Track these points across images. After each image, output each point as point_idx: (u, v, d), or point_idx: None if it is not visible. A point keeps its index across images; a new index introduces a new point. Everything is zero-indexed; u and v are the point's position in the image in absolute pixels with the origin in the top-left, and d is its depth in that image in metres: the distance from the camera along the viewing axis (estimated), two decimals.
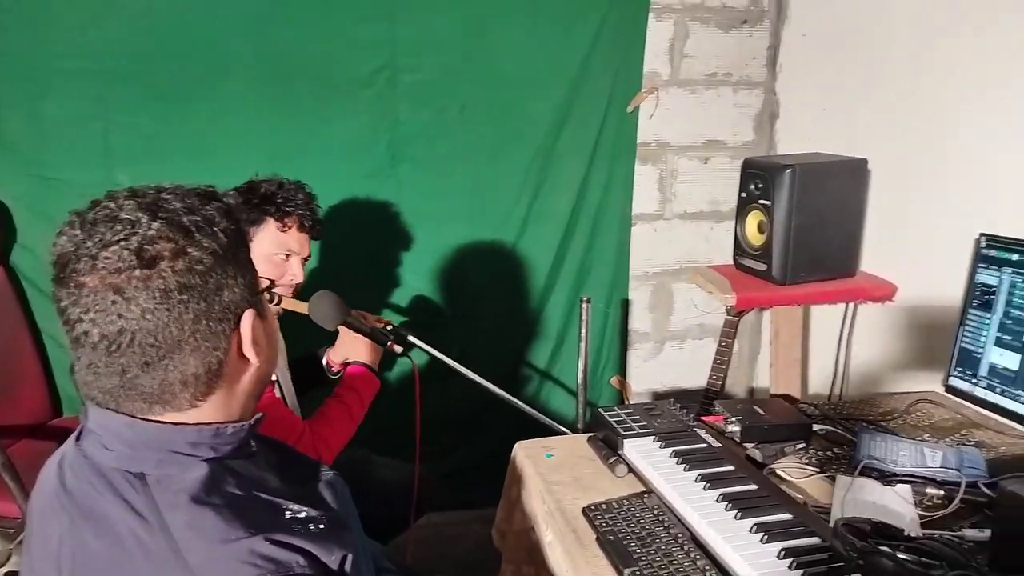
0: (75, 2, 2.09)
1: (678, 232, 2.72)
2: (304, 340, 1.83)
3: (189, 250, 0.76)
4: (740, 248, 2.15)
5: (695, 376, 2.82)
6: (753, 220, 2.09)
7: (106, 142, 2.18)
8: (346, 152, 2.34)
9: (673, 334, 2.82)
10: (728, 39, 2.59)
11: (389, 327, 1.80)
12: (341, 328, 1.75)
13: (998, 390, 1.47)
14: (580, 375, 2.07)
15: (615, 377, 2.76)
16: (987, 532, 1.17)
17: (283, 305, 1.65)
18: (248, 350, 0.82)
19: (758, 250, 2.07)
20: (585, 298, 2.07)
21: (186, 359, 0.77)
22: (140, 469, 0.77)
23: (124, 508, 0.74)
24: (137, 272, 0.74)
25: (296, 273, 1.67)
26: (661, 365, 2.83)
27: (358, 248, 2.42)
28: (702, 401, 2.20)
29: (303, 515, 0.80)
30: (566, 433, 1.75)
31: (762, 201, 2.02)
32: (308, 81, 2.27)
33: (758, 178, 2.04)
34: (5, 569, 1.93)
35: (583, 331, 2.02)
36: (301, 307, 1.66)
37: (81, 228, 0.75)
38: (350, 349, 1.78)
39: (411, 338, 1.78)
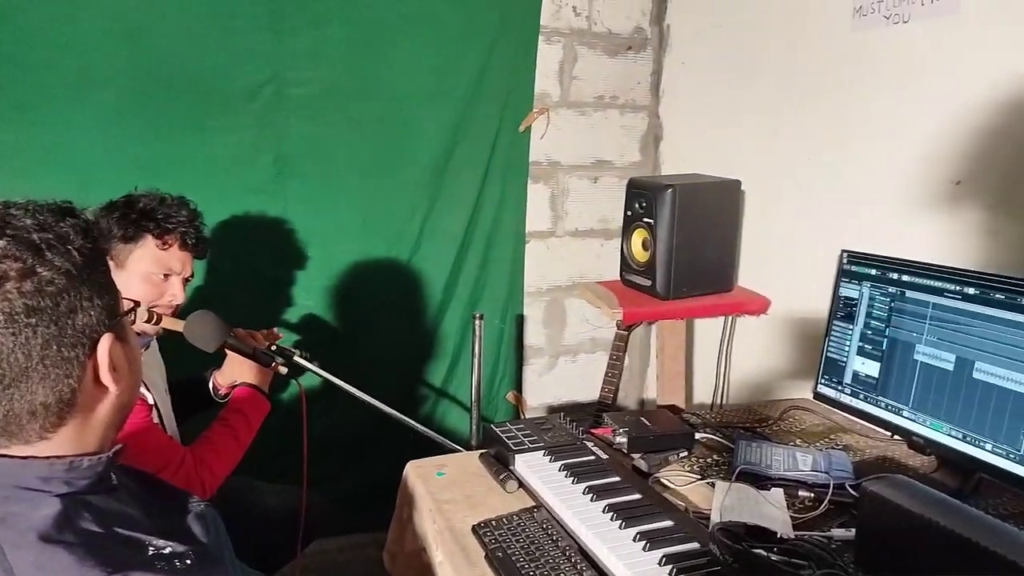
0: None
1: (570, 249, 2.78)
2: (194, 361, 1.74)
3: (39, 270, 0.71)
4: (626, 264, 2.22)
5: (589, 389, 2.88)
6: (638, 238, 2.17)
7: None
8: (230, 167, 2.26)
9: (567, 348, 2.87)
10: (614, 64, 2.69)
11: (274, 347, 1.74)
12: (227, 350, 1.68)
13: (861, 396, 1.58)
14: (474, 391, 2.07)
15: (511, 392, 2.78)
16: (854, 531, 1.24)
17: (163, 325, 1.56)
18: (105, 377, 0.78)
19: (643, 266, 2.14)
20: (478, 314, 2.08)
21: (34, 388, 0.72)
22: None
23: None
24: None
25: (177, 294, 1.59)
26: (556, 379, 2.87)
27: (246, 266, 2.33)
28: (595, 413, 2.24)
29: (168, 551, 0.75)
30: (459, 451, 1.74)
31: (646, 219, 2.10)
32: (188, 92, 2.18)
33: (642, 197, 2.12)
34: None
35: (476, 347, 2.03)
36: (181, 327, 1.58)
37: None
38: (237, 371, 1.72)
39: (297, 358, 1.73)
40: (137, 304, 0.87)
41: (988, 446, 1.32)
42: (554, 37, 2.59)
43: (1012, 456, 1.28)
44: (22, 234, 0.72)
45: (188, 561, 0.75)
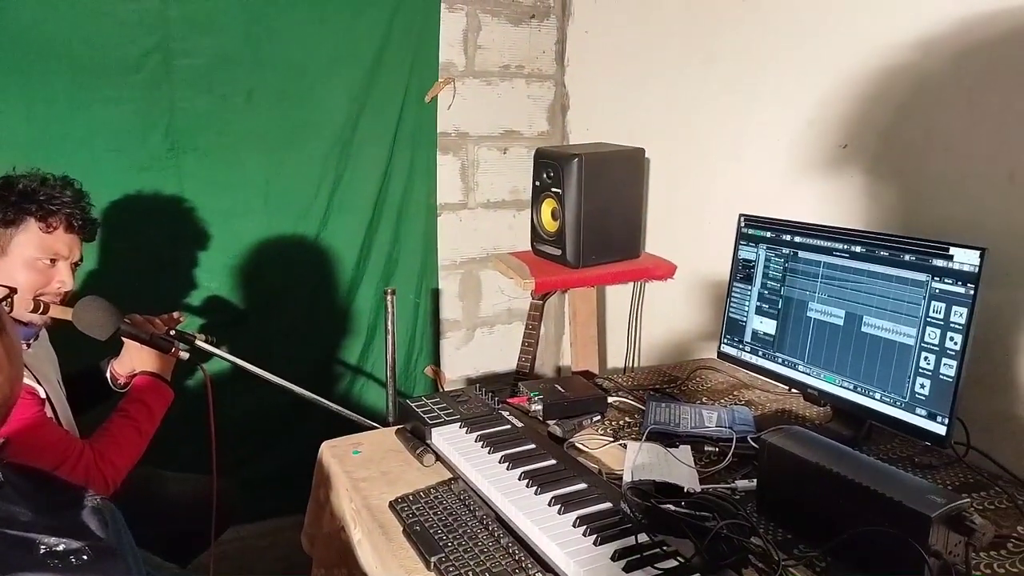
0: None
1: (482, 221, 2.77)
2: (90, 352, 1.65)
3: None
4: (537, 234, 2.23)
5: (507, 360, 2.90)
6: (547, 208, 2.18)
7: None
8: (115, 143, 2.13)
9: (483, 320, 2.88)
10: (519, 32, 2.68)
11: (173, 332, 1.66)
12: (122, 337, 1.59)
13: (760, 353, 1.66)
14: (388, 367, 2.05)
15: (429, 367, 2.78)
16: (755, 482, 1.31)
17: (51, 314, 1.47)
18: None
19: (553, 236, 2.17)
20: (390, 289, 2.05)
21: None
22: None
23: None
24: None
25: (65, 280, 1.49)
26: (473, 351, 2.88)
27: (141, 248, 2.22)
28: (512, 383, 2.27)
29: (61, 548, 0.72)
30: (376, 428, 1.72)
31: (554, 189, 2.11)
32: (65, 64, 2.03)
33: (549, 167, 2.13)
34: None
35: (389, 323, 2.00)
36: (70, 315, 1.49)
37: None
38: (135, 359, 1.64)
39: (200, 343, 1.66)
40: (12, 291, 0.81)
41: (877, 395, 1.41)
42: (457, 5, 2.55)
43: (899, 403, 1.37)
44: None
45: (84, 557, 0.72)
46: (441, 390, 2.78)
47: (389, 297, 2.04)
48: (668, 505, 1.15)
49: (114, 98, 2.10)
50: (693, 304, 2.23)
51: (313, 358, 2.54)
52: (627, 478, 1.33)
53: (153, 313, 1.70)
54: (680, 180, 2.27)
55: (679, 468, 1.36)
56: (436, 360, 2.81)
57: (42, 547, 0.71)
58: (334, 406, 1.78)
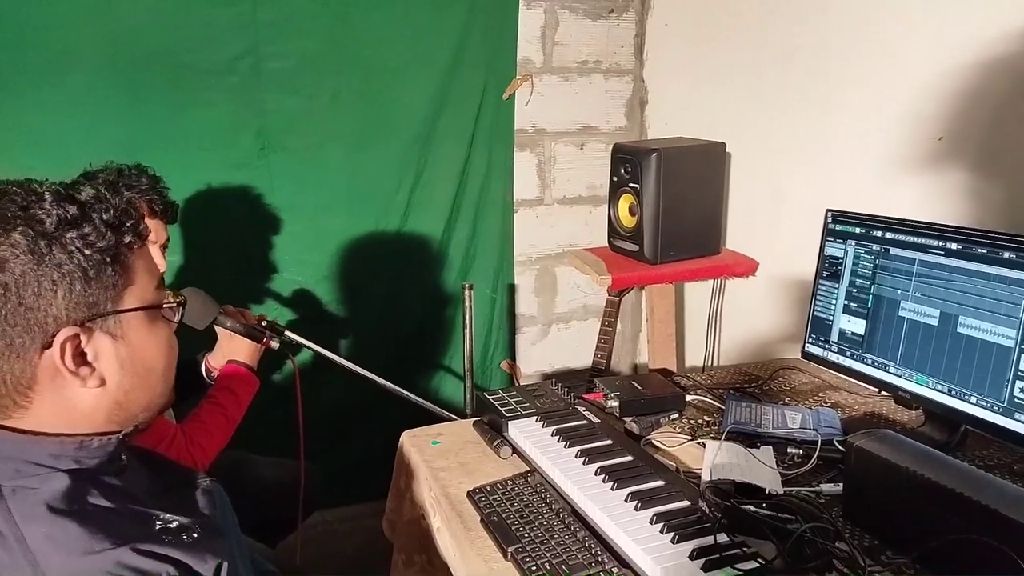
0: None
1: (559, 217, 2.78)
2: (182, 340, 1.74)
3: (3, 252, 0.72)
4: (614, 230, 2.22)
5: (582, 356, 2.90)
6: (624, 203, 2.17)
7: None
8: (211, 142, 2.24)
9: (559, 316, 2.88)
10: (597, 27, 2.66)
11: (264, 323, 1.74)
12: (217, 328, 1.68)
13: (848, 354, 1.60)
14: (466, 361, 2.09)
15: (505, 361, 2.80)
16: (841, 486, 1.27)
17: None
18: (63, 368, 0.76)
19: (630, 232, 2.15)
20: (467, 284, 2.08)
21: None
22: None
23: None
24: None
25: (158, 261, 1.58)
26: (549, 347, 2.89)
27: (231, 243, 2.32)
28: (588, 379, 2.27)
29: (175, 524, 0.77)
30: (454, 419, 1.76)
31: (632, 184, 2.10)
32: (163, 68, 2.15)
33: (627, 162, 2.11)
34: None
35: (467, 317, 2.03)
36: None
37: None
38: (229, 348, 1.72)
39: (289, 333, 1.74)
40: (184, 301, 0.86)
41: (973, 399, 1.35)
42: (535, 1, 2.55)
43: (996, 408, 1.30)
44: (3, 214, 0.72)
45: (195, 534, 0.77)
46: (517, 385, 2.80)
47: (467, 292, 2.08)
48: (749, 506, 1.13)
49: (208, 100, 2.21)
50: (775, 302, 2.17)
51: (392, 350, 2.60)
52: (706, 477, 1.31)
53: (243, 305, 1.79)
54: (762, 174, 2.21)
55: (760, 469, 1.34)
56: (512, 355, 2.83)
57: (158, 522, 0.76)
58: (414, 397, 1.82)
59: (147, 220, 1.56)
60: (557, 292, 2.86)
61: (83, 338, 0.76)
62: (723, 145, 2.21)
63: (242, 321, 1.69)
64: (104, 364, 0.78)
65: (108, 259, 0.77)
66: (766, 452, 1.41)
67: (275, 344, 1.73)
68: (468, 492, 1.30)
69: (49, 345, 0.74)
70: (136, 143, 2.12)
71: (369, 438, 2.57)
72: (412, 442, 1.55)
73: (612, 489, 1.23)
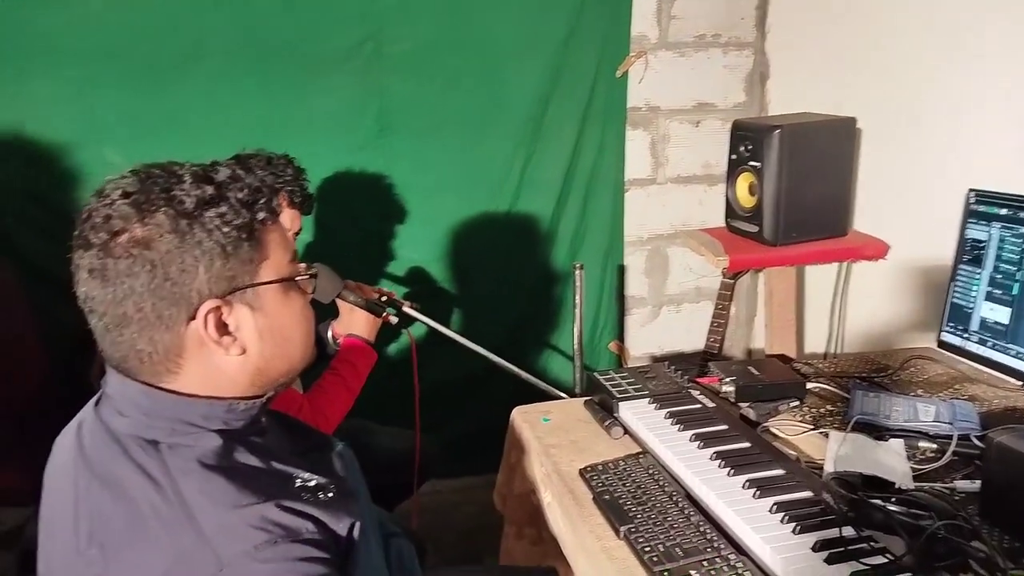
0: None
1: (672, 196, 2.72)
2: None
3: (153, 230, 0.77)
4: (732, 211, 2.15)
5: (693, 339, 2.84)
6: (744, 182, 2.09)
7: (92, 120, 2.17)
8: (333, 126, 2.33)
9: (670, 298, 2.83)
10: (715, 1, 2.57)
11: (384, 298, 1.81)
12: (339, 301, 1.76)
13: (989, 344, 1.49)
14: (576, 341, 2.09)
15: (613, 342, 2.78)
16: (978, 483, 1.19)
17: None
18: (207, 339, 0.81)
19: (749, 212, 2.07)
20: (578, 264, 2.08)
21: (133, 336, 0.79)
22: (153, 436, 0.79)
23: (139, 473, 0.77)
24: (107, 247, 0.77)
25: None
26: (659, 329, 2.85)
27: (351, 222, 2.42)
28: (700, 363, 2.22)
29: (313, 483, 0.82)
30: (563, 398, 1.77)
31: (752, 163, 2.02)
32: (290, 55, 2.24)
33: (747, 140, 2.04)
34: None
35: (577, 297, 2.03)
36: None
37: (95, 197, 0.80)
38: (350, 321, 1.79)
39: (407, 308, 1.79)
40: (315, 274, 0.92)
41: None
42: None
43: None
44: (145, 205, 0.78)
45: (330, 494, 0.81)
46: (625, 366, 2.78)
47: (577, 272, 2.07)
48: (877, 500, 1.07)
49: (331, 85, 2.29)
50: (906, 287, 2.04)
51: (502, 328, 2.63)
52: (829, 468, 1.26)
53: (363, 281, 1.86)
54: (895, 152, 2.07)
55: (888, 462, 1.27)
56: (620, 336, 2.81)
57: (298, 480, 0.82)
58: (524, 374, 1.85)
59: (286, 209, 1.67)
60: (668, 273, 2.80)
61: (224, 310, 0.81)
62: (853, 121, 2.09)
63: (364, 296, 1.76)
64: (244, 334, 0.83)
65: (244, 235, 0.81)
66: (895, 445, 1.34)
67: (393, 319, 1.79)
68: (580, 470, 1.31)
69: (194, 317, 0.80)
70: (265, 127, 2.24)
71: (479, 413, 2.62)
72: (523, 418, 1.57)
73: (729, 475, 1.20)
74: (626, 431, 1.44)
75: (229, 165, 0.85)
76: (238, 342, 0.83)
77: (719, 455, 1.26)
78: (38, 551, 0.87)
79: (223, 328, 0.81)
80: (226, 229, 0.80)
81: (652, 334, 2.85)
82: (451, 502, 2.56)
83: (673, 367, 1.64)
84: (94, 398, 0.87)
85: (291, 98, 2.27)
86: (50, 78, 2.12)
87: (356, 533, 0.80)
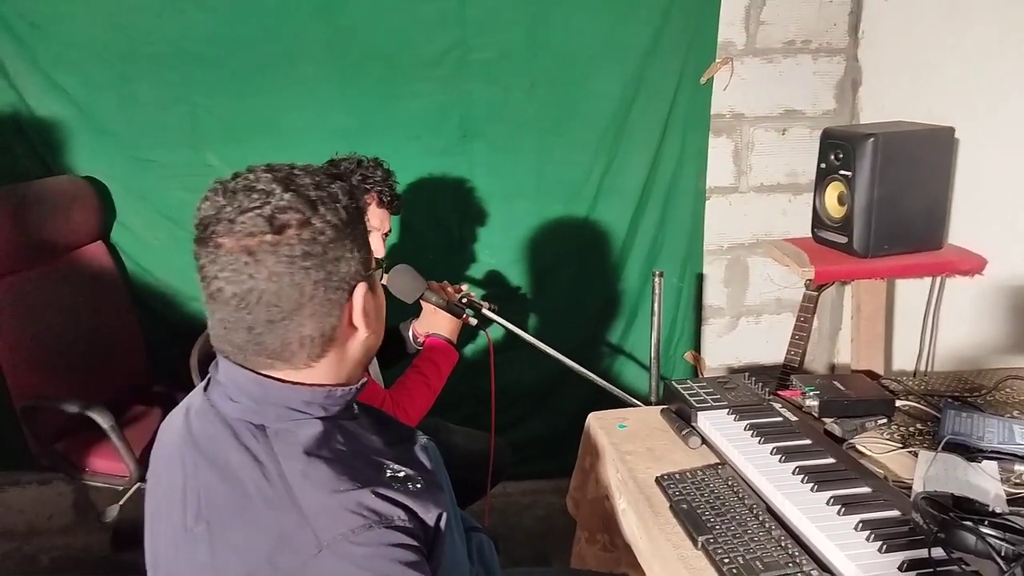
0: None
1: (754, 205, 2.66)
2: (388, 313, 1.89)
3: (313, 221, 0.81)
4: (819, 220, 2.09)
5: (772, 352, 2.77)
6: (833, 192, 2.03)
7: (193, 124, 2.29)
8: (418, 130, 2.39)
9: (749, 309, 2.77)
10: (807, 6, 2.51)
11: (465, 300, 1.84)
12: (422, 302, 1.80)
13: None
14: (653, 349, 2.07)
15: (689, 352, 2.75)
16: None
17: None
18: (358, 320, 0.87)
19: (838, 222, 2.01)
20: (657, 272, 2.06)
21: (304, 322, 0.83)
22: (261, 421, 0.84)
23: (246, 456, 0.81)
24: (268, 237, 0.79)
25: (377, 248, 1.72)
26: (736, 340, 2.79)
27: (434, 225, 2.48)
28: (780, 376, 2.17)
29: (402, 474, 0.85)
30: (638, 405, 1.76)
31: (843, 172, 1.96)
32: (379, 61, 2.32)
33: (838, 148, 1.98)
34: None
35: (655, 305, 2.01)
36: (385, 279, 1.71)
37: (223, 195, 0.81)
38: (432, 322, 1.83)
39: (486, 311, 1.82)
40: (382, 260, 0.97)
41: None
42: None
43: None
44: (303, 190, 0.82)
45: (418, 485, 0.84)
46: (701, 376, 2.74)
47: (656, 279, 2.05)
48: (969, 522, 1.03)
49: (418, 91, 2.35)
50: (1005, 305, 1.94)
51: (576, 334, 2.64)
52: (918, 488, 1.22)
53: (440, 281, 1.90)
54: (998, 164, 1.97)
55: (981, 484, 1.22)
56: (696, 346, 2.77)
57: (388, 470, 0.85)
58: (600, 380, 1.84)
59: (376, 209, 1.72)
60: (748, 284, 2.75)
61: (368, 293, 0.87)
62: (951, 131, 2.00)
63: (445, 296, 1.80)
64: (371, 316, 0.89)
65: (365, 225, 0.89)
66: (989, 467, 1.28)
67: (473, 320, 1.82)
68: (656, 478, 1.30)
69: (350, 298, 0.85)
70: (354, 132, 2.32)
71: (551, 417, 2.63)
72: (599, 424, 1.57)
73: (812, 491, 1.18)
74: (704, 441, 1.43)
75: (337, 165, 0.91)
76: (367, 323, 0.88)
77: (802, 470, 1.24)
78: (145, 529, 0.93)
79: (362, 310, 0.87)
80: (360, 216, 0.87)
81: (729, 345, 2.80)
82: (520, 504, 2.59)
83: (753, 378, 1.61)
84: (201, 384, 0.92)
85: (379, 103, 2.35)
86: (154, 83, 2.26)
87: (443, 524, 0.82)
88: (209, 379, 0.90)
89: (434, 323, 1.82)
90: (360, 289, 0.86)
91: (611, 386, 1.84)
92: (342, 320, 0.86)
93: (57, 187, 2.23)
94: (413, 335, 1.90)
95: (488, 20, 2.33)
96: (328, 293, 0.83)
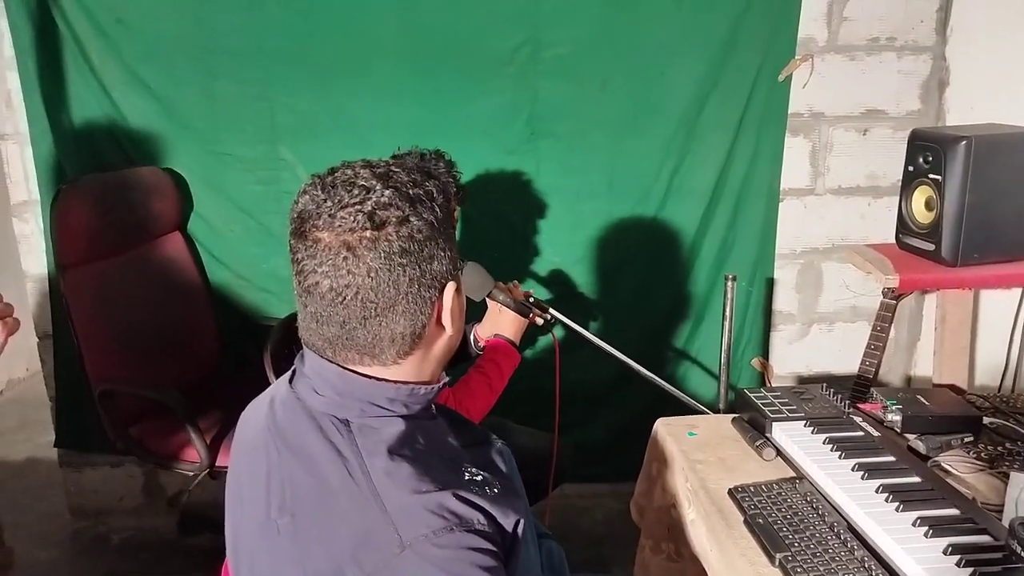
0: None
1: (831, 208, 2.56)
2: None
3: (411, 219, 0.81)
4: (904, 226, 1.99)
5: (845, 361, 2.67)
6: (920, 196, 1.94)
7: (271, 120, 2.34)
8: (487, 128, 2.38)
9: (822, 316, 2.68)
10: (892, 1, 2.40)
11: (532, 299, 1.82)
12: (488, 300, 1.79)
13: None
14: (723, 355, 2.02)
15: (757, 359, 2.67)
16: None
17: None
18: (446, 319, 0.87)
19: (925, 228, 1.92)
20: (730, 276, 2.01)
21: (397, 319, 0.83)
22: (345, 416, 0.84)
23: (330, 449, 0.81)
24: (367, 233, 0.79)
25: None
26: (807, 348, 2.70)
27: (498, 223, 2.47)
28: (853, 388, 2.08)
29: (480, 477, 0.84)
30: (706, 412, 1.71)
31: (932, 176, 1.87)
32: (451, 59, 2.32)
33: (927, 151, 1.88)
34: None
35: (727, 310, 1.96)
36: None
37: (322, 189, 0.82)
38: (496, 323, 1.82)
39: (553, 311, 1.80)
40: (464, 260, 0.97)
41: None
42: None
43: None
44: (402, 188, 0.82)
45: (495, 489, 0.83)
46: (768, 384, 2.66)
47: (729, 283, 2.00)
48: None
49: (489, 88, 2.34)
50: None
51: (641, 336, 2.59)
52: (1010, 512, 1.14)
53: (506, 281, 1.89)
54: None
55: None
56: (764, 353, 2.69)
57: (466, 473, 0.84)
58: (667, 385, 1.80)
59: None
60: (822, 290, 2.65)
61: (456, 291, 0.88)
62: None
63: (513, 296, 1.79)
64: (456, 315, 0.89)
65: (454, 221, 0.90)
66: None
67: (539, 321, 1.80)
68: (730, 490, 1.26)
69: (439, 297, 0.86)
70: (426, 128, 2.32)
71: (612, 420, 2.60)
72: (667, 430, 1.54)
73: (897, 511, 1.12)
74: (778, 453, 1.38)
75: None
76: (452, 322, 0.88)
77: (886, 488, 1.18)
78: (225, 516, 0.94)
79: (450, 309, 0.87)
80: (450, 216, 0.87)
81: (800, 353, 2.71)
82: (579, 507, 2.56)
83: (831, 390, 1.55)
84: (286, 375, 0.92)
85: (450, 100, 2.35)
86: (234, 78, 2.32)
87: (520, 530, 0.81)
88: (294, 371, 0.90)
89: (498, 324, 1.81)
90: (450, 288, 0.86)
91: (679, 392, 1.80)
92: (431, 319, 0.86)
93: (139, 178, 2.30)
94: (475, 338, 1.89)
95: (561, 15, 2.30)
96: (421, 291, 0.83)
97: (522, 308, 1.77)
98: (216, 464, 2.01)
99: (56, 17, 2.26)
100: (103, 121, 2.34)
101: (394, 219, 0.80)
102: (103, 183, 2.22)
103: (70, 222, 2.06)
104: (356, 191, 0.80)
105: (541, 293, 2.48)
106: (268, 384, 1.00)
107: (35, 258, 2.46)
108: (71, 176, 2.32)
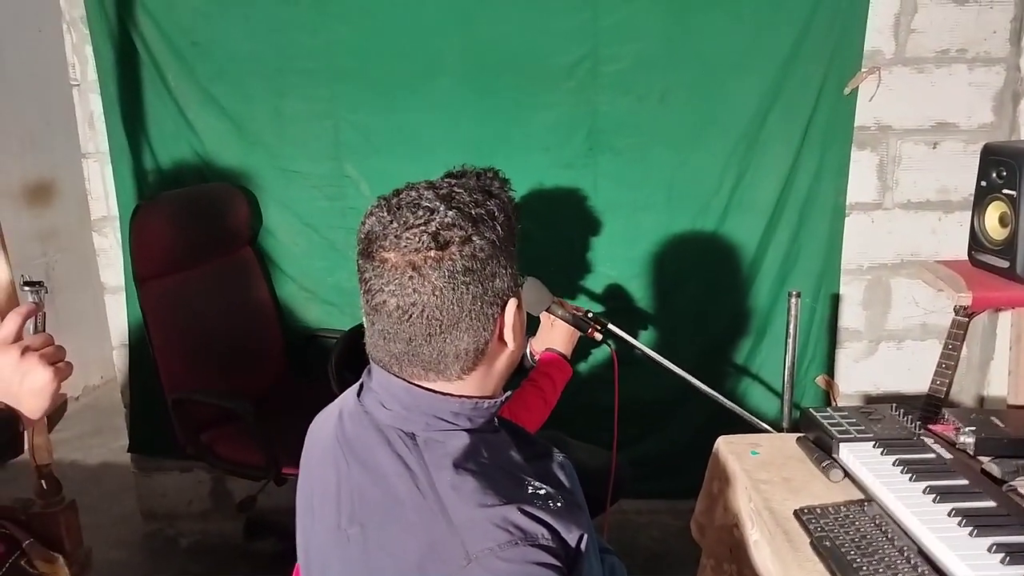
0: (304, 7, 2.31)
1: (899, 223, 2.49)
2: None
3: (474, 239, 0.84)
4: (977, 242, 1.93)
5: (915, 381, 2.58)
6: (994, 212, 1.87)
7: (336, 137, 2.41)
8: (547, 143, 2.40)
9: (890, 334, 2.60)
10: (963, 12, 2.33)
11: (590, 314, 1.82)
12: (542, 315, 1.80)
13: None
14: (787, 373, 1.97)
15: (821, 376, 2.60)
16: None
17: None
18: (508, 335, 0.89)
19: (999, 245, 1.85)
20: (794, 292, 1.97)
21: (461, 335, 0.85)
22: (412, 429, 0.86)
23: (398, 462, 0.83)
24: (432, 253, 0.82)
25: None
26: (875, 366, 2.62)
27: (555, 237, 2.47)
28: (924, 408, 2.02)
29: (543, 491, 0.85)
30: (769, 431, 1.68)
31: (1006, 191, 1.81)
32: (512, 74, 2.35)
33: (1002, 165, 1.82)
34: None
35: (791, 326, 1.92)
36: None
37: (388, 211, 0.85)
38: (549, 336, 1.83)
39: (611, 326, 1.80)
40: (524, 277, 0.99)
41: None
42: None
43: None
44: (464, 208, 0.85)
45: (559, 503, 0.84)
46: (834, 403, 2.59)
47: (793, 300, 1.96)
48: None
49: (548, 103, 2.36)
50: None
51: (700, 352, 2.56)
52: None
53: (561, 296, 1.89)
54: None
55: None
56: (829, 370, 2.62)
57: (530, 487, 0.85)
58: (729, 403, 1.78)
59: None
60: (891, 307, 2.57)
61: (518, 308, 0.90)
62: None
63: (570, 310, 1.79)
64: (517, 331, 0.91)
65: (515, 239, 0.91)
66: None
67: (598, 336, 1.80)
68: (795, 511, 1.24)
69: (502, 313, 0.88)
70: (485, 143, 2.36)
71: (670, 436, 2.57)
72: (729, 448, 1.52)
73: (971, 536, 1.08)
74: (846, 474, 1.35)
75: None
76: (513, 338, 0.90)
77: (959, 512, 1.14)
78: (297, 524, 0.97)
79: (512, 325, 0.90)
80: (510, 234, 0.90)
81: (866, 371, 2.63)
82: (636, 523, 2.54)
83: (900, 410, 1.51)
84: (354, 388, 0.95)
85: (509, 115, 2.38)
86: (303, 97, 2.40)
87: (584, 545, 0.81)
88: (362, 385, 0.93)
89: (551, 338, 1.81)
90: (511, 304, 0.88)
91: (741, 410, 1.77)
92: (494, 335, 0.88)
93: (212, 195, 2.40)
94: (530, 352, 1.91)
95: (621, 31, 2.31)
96: (484, 308, 0.85)
97: (580, 323, 1.77)
98: (282, 471, 2.06)
99: (136, 42, 2.38)
100: (179, 140, 2.44)
101: (457, 239, 0.82)
102: (179, 200, 2.32)
103: (147, 237, 2.16)
104: (420, 212, 0.83)
105: (597, 308, 2.48)
106: (331, 394, 1.03)
107: (113, 271, 2.58)
108: (148, 193, 2.43)
